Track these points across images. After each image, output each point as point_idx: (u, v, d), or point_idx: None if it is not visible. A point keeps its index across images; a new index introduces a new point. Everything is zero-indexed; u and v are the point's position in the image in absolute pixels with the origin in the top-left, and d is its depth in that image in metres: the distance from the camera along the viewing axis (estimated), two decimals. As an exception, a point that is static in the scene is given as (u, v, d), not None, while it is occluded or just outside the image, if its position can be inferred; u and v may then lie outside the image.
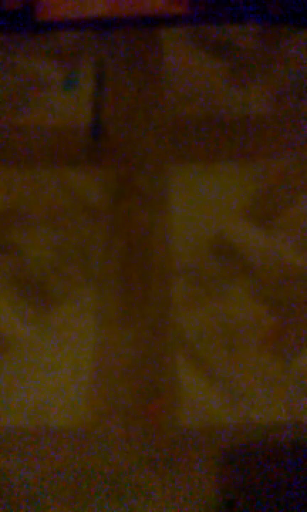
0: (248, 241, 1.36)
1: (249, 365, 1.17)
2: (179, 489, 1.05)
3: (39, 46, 1.84)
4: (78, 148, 1.57)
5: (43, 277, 1.31)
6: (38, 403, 1.14)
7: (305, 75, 1.74)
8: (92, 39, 1.86)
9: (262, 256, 1.33)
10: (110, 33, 1.89)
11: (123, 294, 1.28)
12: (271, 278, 1.29)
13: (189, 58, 1.82)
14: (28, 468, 1.07)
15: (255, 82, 1.74)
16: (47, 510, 1.04)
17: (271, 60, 1.80)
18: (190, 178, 1.48)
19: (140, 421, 1.11)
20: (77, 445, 1.10)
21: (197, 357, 1.18)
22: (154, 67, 1.79)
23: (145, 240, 1.37)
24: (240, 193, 1.45)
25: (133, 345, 1.21)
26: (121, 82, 1.74)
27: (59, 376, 1.17)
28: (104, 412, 1.13)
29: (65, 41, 1.86)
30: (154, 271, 1.31)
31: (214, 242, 1.36)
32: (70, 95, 1.70)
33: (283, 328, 1.21)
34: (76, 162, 1.53)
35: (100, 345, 1.21)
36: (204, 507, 1.02)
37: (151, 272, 1.31)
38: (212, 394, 1.13)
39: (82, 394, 1.15)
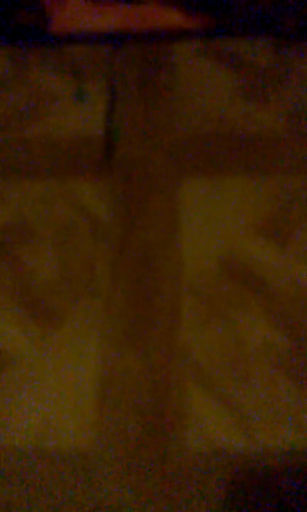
0: (261, 260, 1.32)
1: (259, 389, 1.12)
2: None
3: (52, 59, 1.83)
4: (88, 163, 1.54)
5: (49, 294, 1.27)
6: (40, 424, 1.10)
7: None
8: (105, 53, 1.84)
9: (276, 276, 1.29)
10: (123, 47, 1.87)
11: (130, 312, 1.24)
12: (285, 299, 1.25)
13: (202, 73, 1.80)
14: (28, 495, 1.03)
15: (270, 98, 1.71)
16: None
17: (285, 76, 1.78)
18: (202, 195, 1.44)
19: (145, 446, 1.07)
20: (79, 473, 1.05)
21: (206, 380, 1.14)
22: (167, 81, 1.76)
23: (154, 258, 1.33)
24: (253, 210, 1.41)
25: (140, 366, 1.16)
26: (134, 96, 1.71)
27: (62, 396, 1.13)
28: (108, 437, 1.08)
29: (78, 55, 1.84)
30: (163, 290, 1.27)
31: (226, 261, 1.32)
32: (81, 109, 1.68)
33: (297, 352, 1.17)
34: (86, 177, 1.50)
35: (105, 365, 1.17)
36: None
37: (159, 291, 1.27)
38: (221, 418, 1.09)
39: (85, 416, 1.11)
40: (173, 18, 1.98)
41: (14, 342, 1.20)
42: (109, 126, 1.62)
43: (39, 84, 1.76)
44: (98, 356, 1.18)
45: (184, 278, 1.29)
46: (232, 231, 1.37)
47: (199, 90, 1.75)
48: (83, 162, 1.53)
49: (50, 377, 1.16)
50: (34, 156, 1.56)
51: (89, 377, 1.15)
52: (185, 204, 1.43)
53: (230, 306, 1.24)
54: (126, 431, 1.08)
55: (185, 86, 1.75)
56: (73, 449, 1.07)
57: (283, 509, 1.00)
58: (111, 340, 1.20)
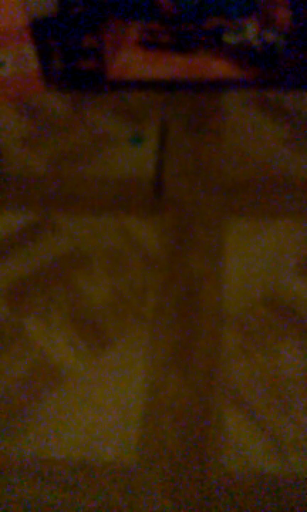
0: (300, 297, 1.39)
1: (297, 416, 1.19)
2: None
3: (109, 104, 1.97)
4: (140, 200, 1.65)
5: (101, 317, 1.37)
6: (87, 438, 1.18)
7: None
8: (158, 99, 1.97)
9: (313, 312, 1.37)
10: (174, 94, 2.00)
11: (174, 338, 1.33)
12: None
13: (249, 121, 1.91)
14: (72, 503, 1.10)
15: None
16: None
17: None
18: (245, 235, 1.54)
19: (185, 465, 1.14)
20: (121, 485, 1.13)
21: (244, 405, 1.21)
22: (215, 127, 1.88)
23: (199, 288, 1.42)
24: (293, 251, 1.50)
25: (182, 389, 1.24)
26: (183, 141, 1.83)
27: (108, 413, 1.21)
28: (149, 454, 1.16)
29: (133, 101, 1.98)
30: (206, 318, 1.36)
31: (266, 295, 1.40)
32: (136, 151, 1.80)
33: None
34: (138, 213, 1.61)
35: (150, 386, 1.25)
36: None
37: (203, 319, 1.35)
38: (258, 443, 1.15)
39: (129, 433, 1.18)
40: (222, 69, 2.10)
41: (67, 361, 1.29)
42: (159, 168, 1.73)
43: (98, 127, 1.90)
44: (143, 377, 1.26)
45: (226, 308, 1.37)
46: (273, 268, 1.46)
47: (245, 137, 1.86)
48: (135, 198, 1.65)
49: (98, 395, 1.24)
50: (91, 192, 1.68)
51: (134, 397, 1.23)
52: (230, 241, 1.52)
53: (270, 338, 1.32)
54: (167, 449, 1.16)
55: (232, 132, 1.86)
56: (116, 464, 1.15)
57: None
58: (156, 363, 1.29)
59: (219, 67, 2.11)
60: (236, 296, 1.40)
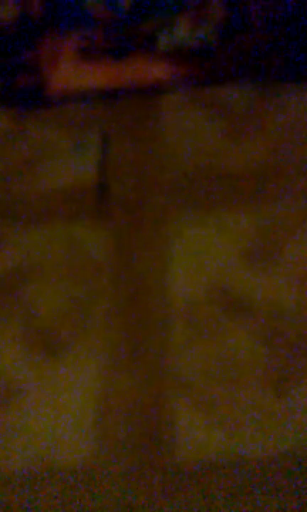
0: (246, 284, 1.41)
1: (246, 402, 1.20)
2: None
3: (51, 117, 1.99)
4: (86, 207, 1.67)
5: (51, 325, 1.38)
6: (44, 446, 1.19)
7: (299, 125, 1.82)
8: (98, 108, 2.00)
9: (260, 298, 1.38)
10: (114, 101, 2.02)
11: (125, 339, 1.34)
12: (268, 318, 1.34)
13: (189, 119, 1.93)
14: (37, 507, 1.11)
15: (252, 137, 1.83)
16: None
17: (269, 116, 1.90)
18: (192, 227, 1.56)
19: (141, 460, 1.15)
20: (83, 485, 1.13)
21: (196, 396, 1.22)
22: (155, 128, 1.90)
23: (146, 287, 1.43)
24: (239, 240, 1.51)
25: (134, 386, 1.25)
26: (125, 144, 1.85)
27: (65, 419, 1.22)
28: (107, 451, 1.17)
29: (75, 111, 2.00)
30: (155, 315, 1.38)
31: (213, 286, 1.42)
32: (79, 160, 1.82)
33: (282, 366, 1.25)
34: (83, 219, 1.63)
35: (103, 387, 1.26)
36: None
37: (152, 316, 1.37)
38: (210, 431, 1.17)
39: (86, 436, 1.20)
40: (160, 70, 2.13)
41: (20, 372, 1.31)
42: (102, 172, 1.75)
43: (41, 140, 1.91)
44: (96, 381, 1.28)
45: (174, 304, 1.39)
46: (219, 258, 1.48)
47: (185, 135, 1.88)
48: (80, 206, 1.67)
49: (54, 403, 1.25)
50: (37, 203, 1.70)
51: (88, 400, 1.25)
52: (176, 238, 1.54)
53: (218, 328, 1.34)
54: (124, 445, 1.17)
55: (173, 132, 1.88)
56: (75, 464, 1.16)
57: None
58: (109, 365, 1.30)
59: (157, 69, 2.12)
60: (183, 290, 1.42)
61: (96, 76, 2.11)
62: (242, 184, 1.67)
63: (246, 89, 2.00)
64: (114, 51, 2.22)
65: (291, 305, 1.36)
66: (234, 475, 1.11)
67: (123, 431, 1.19)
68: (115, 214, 1.63)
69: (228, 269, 1.45)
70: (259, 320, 1.34)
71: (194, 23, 2.19)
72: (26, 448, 1.19)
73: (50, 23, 2.26)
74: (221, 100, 1.98)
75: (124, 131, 1.91)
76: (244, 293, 1.39)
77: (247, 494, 1.08)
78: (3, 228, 1.63)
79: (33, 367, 1.31)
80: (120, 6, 2.23)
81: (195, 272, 1.45)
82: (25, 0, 2.09)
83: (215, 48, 2.11)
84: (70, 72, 2.15)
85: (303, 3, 2.03)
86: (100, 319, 1.39)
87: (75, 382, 1.27)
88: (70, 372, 1.29)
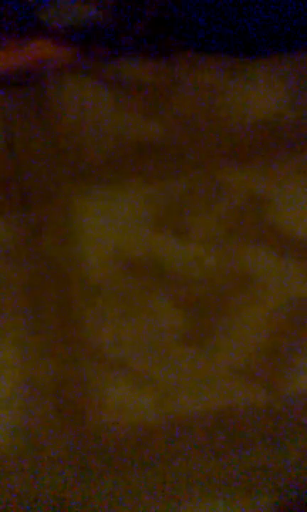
0: (162, 253, 1.41)
1: (169, 363, 1.20)
2: (118, 496, 1.06)
3: None
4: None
5: None
6: None
7: (196, 98, 1.84)
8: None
9: (176, 264, 1.38)
10: (12, 87, 1.98)
11: (45, 321, 1.31)
12: (186, 282, 1.34)
13: (85, 96, 1.91)
14: None
15: (151, 111, 1.83)
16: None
17: (167, 89, 1.90)
18: (99, 201, 1.54)
19: (70, 434, 1.13)
20: (12, 470, 1.11)
21: (119, 365, 1.21)
22: (56, 110, 1.87)
23: (59, 266, 1.41)
24: (149, 210, 1.51)
25: (58, 364, 1.23)
26: (28, 127, 1.81)
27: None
28: (32, 424, 1.14)
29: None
30: (71, 293, 1.35)
31: (126, 257, 1.40)
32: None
33: (199, 327, 1.25)
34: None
35: (25, 369, 1.23)
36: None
37: (68, 294, 1.35)
38: (135, 395, 1.16)
39: (16, 420, 1.16)
40: (57, 52, 2.10)
41: None
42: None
43: None
44: (16, 361, 1.24)
45: (88, 279, 1.37)
46: (129, 231, 1.46)
47: (86, 111, 1.85)
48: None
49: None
50: None
51: (11, 383, 1.21)
52: (83, 214, 1.52)
53: (137, 299, 1.32)
54: (48, 417, 1.15)
55: (72, 111, 1.86)
56: (9, 452, 1.13)
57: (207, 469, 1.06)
58: (28, 344, 1.27)
59: (46, 51, 2.09)
60: (96, 263, 1.40)
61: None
62: (147, 158, 1.66)
63: (146, 64, 2.00)
64: (11, 35, 2.17)
65: (204, 271, 1.37)
66: (166, 436, 1.11)
67: (50, 409, 1.17)
68: (19, 200, 1.60)
69: (140, 240, 1.44)
70: (178, 285, 1.34)
71: (88, 2, 2.17)
72: None
73: None
74: (116, 76, 1.97)
75: (25, 116, 1.87)
76: (158, 261, 1.39)
77: (183, 455, 1.09)
78: None
79: None
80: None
81: (107, 245, 1.43)
82: None
83: (111, 24, 2.10)
84: None
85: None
86: (12, 302, 1.35)
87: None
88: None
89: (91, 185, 1.60)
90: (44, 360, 1.24)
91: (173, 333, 1.24)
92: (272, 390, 1.16)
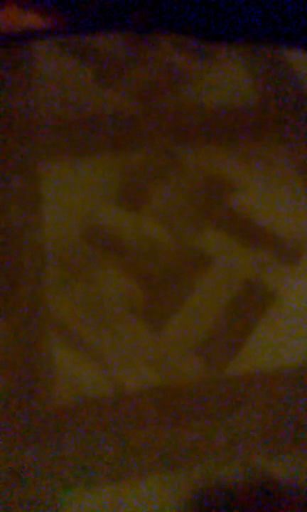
0: (118, 224, 1.40)
1: (120, 336, 1.20)
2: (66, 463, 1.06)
3: None
4: None
5: None
6: None
7: (165, 73, 1.83)
8: None
9: (132, 237, 1.38)
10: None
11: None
12: (140, 256, 1.34)
13: (59, 67, 1.88)
14: None
15: (123, 83, 1.81)
16: None
17: (136, 63, 1.89)
18: (63, 174, 1.52)
19: (15, 402, 1.12)
20: None
21: (71, 334, 1.21)
22: (25, 77, 1.83)
23: (17, 231, 1.39)
24: (113, 184, 1.50)
25: (6, 330, 1.21)
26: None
27: None
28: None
29: None
30: (26, 259, 1.33)
31: (85, 228, 1.40)
32: None
33: (151, 299, 1.26)
34: None
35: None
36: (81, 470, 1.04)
37: (23, 260, 1.33)
38: (87, 367, 1.16)
39: None
40: (29, 19, 2.04)
41: None
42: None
43: None
44: None
45: (46, 247, 1.36)
46: (90, 202, 1.45)
47: (56, 82, 1.82)
48: None
49: None
50: None
51: None
52: (47, 185, 1.50)
53: (90, 267, 1.32)
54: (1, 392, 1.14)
55: (42, 79, 1.82)
56: None
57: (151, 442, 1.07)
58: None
59: (25, 18, 2.04)
60: (55, 233, 1.38)
61: None
62: (113, 130, 1.64)
63: (115, 39, 1.97)
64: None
65: (157, 247, 1.37)
66: (115, 410, 1.12)
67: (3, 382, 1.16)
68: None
69: (99, 211, 1.43)
70: (132, 258, 1.34)
71: None
72: None
73: None
74: (93, 47, 1.94)
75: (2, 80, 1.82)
76: (118, 233, 1.39)
77: (129, 428, 1.10)
78: None
79: None
80: None
81: (66, 214, 1.42)
82: None
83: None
84: None
85: None
86: None
87: None
88: None
89: (59, 154, 1.58)
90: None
91: (124, 306, 1.24)
92: (218, 368, 1.18)
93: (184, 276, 1.31)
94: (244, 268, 1.34)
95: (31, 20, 2.06)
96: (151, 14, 2.06)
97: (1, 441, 1.07)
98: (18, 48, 1.96)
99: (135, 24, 2.04)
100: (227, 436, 1.10)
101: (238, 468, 1.06)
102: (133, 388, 1.13)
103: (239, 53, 1.97)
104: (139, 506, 1.02)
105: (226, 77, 1.87)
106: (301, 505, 1.02)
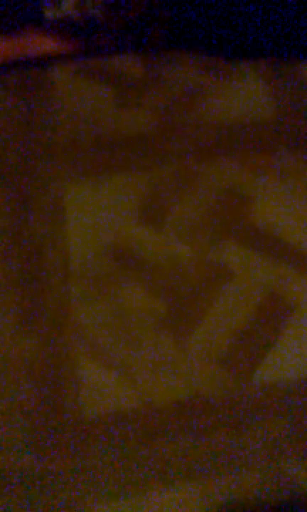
0: (140, 242, 1.44)
1: (145, 350, 1.23)
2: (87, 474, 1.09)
3: None
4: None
5: None
6: None
7: (182, 90, 1.87)
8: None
9: (154, 253, 1.41)
10: (2, 75, 1.98)
11: (22, 300, 1.33)
12: (162, 272, 1.37)
13: (79, 90, 1.93)
14: None
15: (142, 104, 1.85)
16: None
17: (155, 83, 1.93)
18: (86, 193, 1.57)
19: (43, 417, 1.15)
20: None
21: (97, 349, 1.24)
22: (45, 100, 1.88)
23: (42, 249, 1.43)
24: (134, 202, 1.54)
25: (33, 347, 1.25)
26: (14, 117, 1.82)
27: None
28: (5, 410, 1.16)
29: None
30: (52, 276, 1.37)
31: (109, 245, 1.43)
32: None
33: (176, 311, 1.29)
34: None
35: (4, 350, 1.25)
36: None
37: (49, 277, 1.37)
38: (114, 382, 1.19)
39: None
40: (48, 45, 2.11)
41: None
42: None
43: None
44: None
45: (72, 264, 1.40)
46: (114, 218, 1.49)
47: (76, 104, 1.87)
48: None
49: None
50: None
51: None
52: (70, 202, 1.54)
53: (114, 283, 1.36)
54: (22, 404, 1.17)
55: (62, 102, 1.87)
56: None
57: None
58: (5, 327, 1.29)
59: (44, 44, 2.10)
60: (79, 251, 1.42)
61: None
62: (131, 151, 1.69)
63: (131, 57, 2.02)
64: (2, 26, 2.16)
65: (178, 262, 1.40)
66: (143, 422, 1.14)
67: (23, 390, 1.19)
68: (5, 181, 1.61)
69: (122, 229, 1.47)
70: (154, 275, 1.37)
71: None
72: None
73: None
74: (109, 69, 1.99)
75: (14, 103, 1.87)
76: (140, 252, 1.42)
77: (158, 439, 1.12)
78: None
79: None
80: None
81: (90, 232, 1.46)
82: None
83: (101, 21, 2.11)
84: None
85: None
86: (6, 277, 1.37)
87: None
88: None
89: (81, 174, 1.62)
90: (22, 341, 1.25)
91: (148, 319, 1.27)
92: (241, 378, 1.20)
93: (206, 289, 1.34)
94: (266, 281, 1.36)
95: (50, 45, 2.13)
96: (167, 33, 2.11)
97: (31, 449, 1.10)
98: (38, 72, 2.02)
99: (151, 43, 2.09)
100: (255, 445, 1.11)
101: (268, 477, 1.08)
102: (159, 400, 1.16)
103: (256, 69, 2.01)
104: (169, 516, 1.04)
105: (243, 93, 1.90)
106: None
